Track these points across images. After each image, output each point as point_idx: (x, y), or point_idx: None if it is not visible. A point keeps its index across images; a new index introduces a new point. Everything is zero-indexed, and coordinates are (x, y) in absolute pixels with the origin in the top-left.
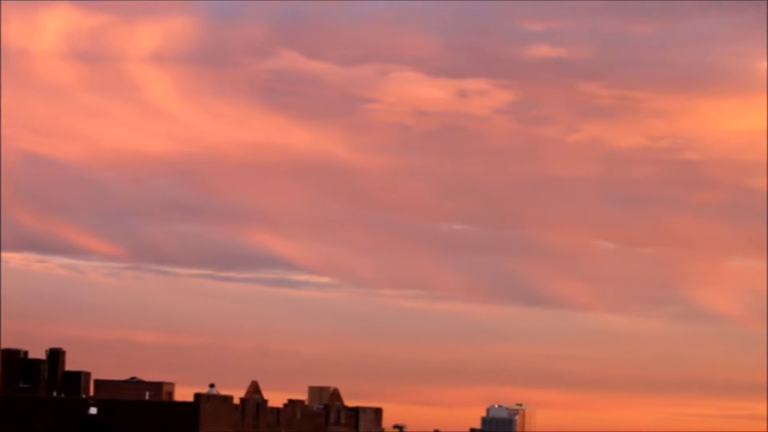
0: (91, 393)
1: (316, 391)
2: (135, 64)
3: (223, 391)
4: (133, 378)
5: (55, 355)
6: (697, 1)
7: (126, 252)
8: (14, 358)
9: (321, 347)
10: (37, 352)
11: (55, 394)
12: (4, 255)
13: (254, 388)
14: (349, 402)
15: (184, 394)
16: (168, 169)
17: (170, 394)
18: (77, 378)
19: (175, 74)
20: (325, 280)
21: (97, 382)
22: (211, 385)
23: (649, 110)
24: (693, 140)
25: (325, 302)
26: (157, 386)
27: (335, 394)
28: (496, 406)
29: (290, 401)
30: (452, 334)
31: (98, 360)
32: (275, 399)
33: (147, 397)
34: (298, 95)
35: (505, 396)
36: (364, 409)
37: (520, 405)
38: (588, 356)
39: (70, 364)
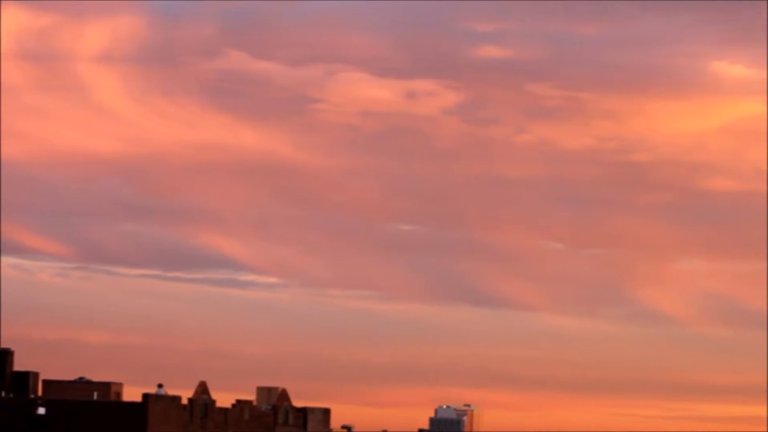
0: (40, 393)
1: (264, 392)
2: (83, 64)
3: (171, 392)
4: (81, 378)
5: (3, 356)
6: (645, 3)
7: (74, 252)
8: None
9: (269, 347)
10: None
11: (3, 394)
12: None
13: (202, 389)
14: (298, 402)
15: (132, 394)
16: (116, 169)
17: (118, 394)
18: (25, 378)
19: (123, 74)
20: (272, 280)
21: (46, 382)
22: (159, 386)
23: (597, 111)
24: (641, 141)
25: (272, 303)
26: (105, 386)
27: (283, 395)
28: (444, 406)
29: (238, 401)
30: (400, 334)
31: (46, 360)
32: (223, 399)
33: (95, 397)
34: (246, 95)
35: (453, 396)
36: (313, 409)
37: (468, 405)
38: (536, 357)
39: (18, 364)
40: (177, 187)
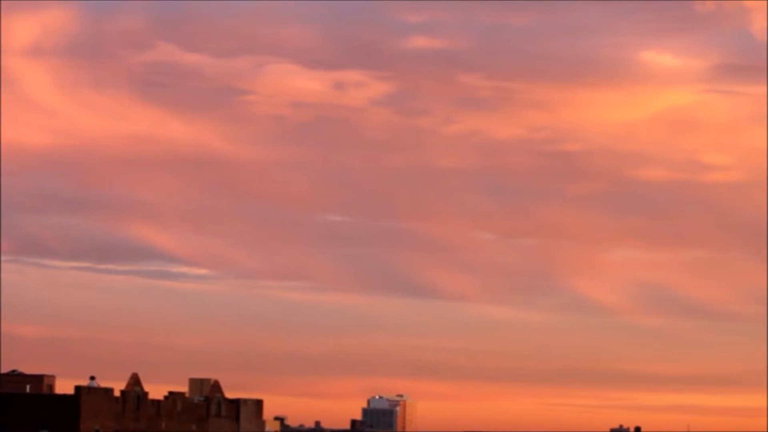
0: None
1: (196, 383)
2: (12, 57)
3: (104, 384)
4: (13, 371)
5: None
6: None
7: (5, 245)
8: None
9: (201, 339)
10: None
11: None
12: None
13: (134, 380)
14: (230, 394)
15: (64, 386)
16: (46, 161)
17: (51, 386)
18: None
19: (53, 67)
20: (204, 272)
21: None
22: (92, 378)
23: (528, 102)
24: (572, 131)
25: (204, 294)
26: (37, 379)
27: (216, 386)
28: (377, 397)
29: (171, 393)
30: (332, 325)
31: None
32: (156, 391)
33: (27, 389)
34: (176, 87)
35: (386, 387)
36: (245, 400)
37: (401, 396)
38: (468, 347)
39: None
40: (108, 179)
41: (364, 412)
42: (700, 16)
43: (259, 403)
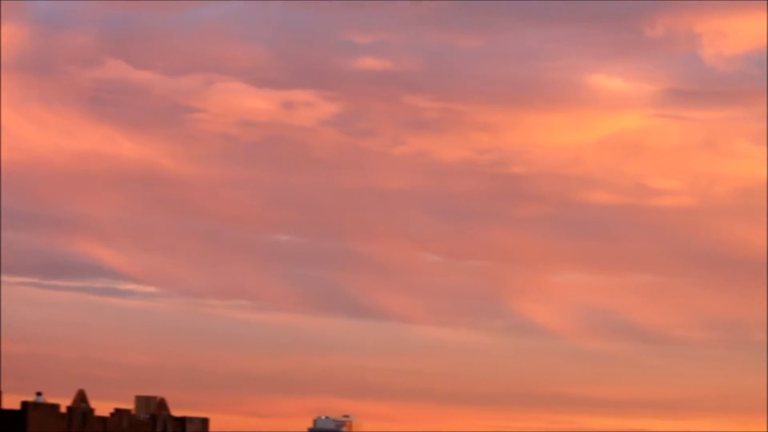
0: None
1: (143, 401)
2: None
3: (50, 400)
4: None
5: None
6: (524, 16)
7: None
8: None
9: (148, 357)
10: None
11: None
12: None
13: (81, 397)
14: (176, 412)
15: (10, 401)
16: None
17: None
18: None
19: (1, 83)
20: (151, 289)
21: None
22: (38, 393)
23: (475, 123)
24: (518, 154)
25: (151, 312)
26: None
27: (162, 404)
28: (323, 417)
29: (117, 410)
30: (278, 344)
31: None
32: (102, 408)
33: None
34: (125, 105)
35: (332, 407)
36: (191, 419)
37: (347, 416)
38: (414, 368)
39: None
40: (56, 195)
41: None
42: (650, 41)
43: (204, 422)
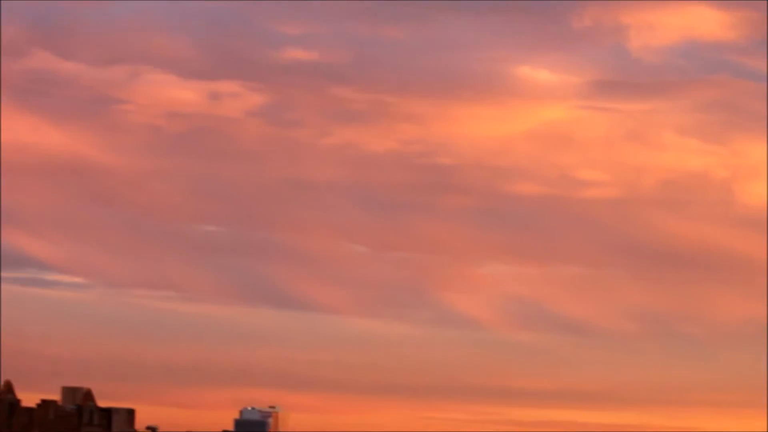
0: None
1: (69, 392)
2: None
3: None
4: None
5: None
6: (452, 6)
7: None
8: None
9: (74, 347)
10: None
11: None
12: None
13: (7, 388)
14: (102, 402)
15: None
16: None
17: None
18: None
19: None
20: (77, 280)
21: None
22: None
23: (402, 115)
24: (446, 145)
25: (77, 302)
26: None
27: (88, 395)
28: (249, 408)
29: (43, 401)
30: (204, 335)
31: None
32: (28, 399)
33: None
34: (51, 96)
35: (258, 398)
36: (117, 410)
37: (273, 407)
38: (340, 360)
39: None
40: None
41: (236, 423)
42: (577, 33)
43: (131, 413)
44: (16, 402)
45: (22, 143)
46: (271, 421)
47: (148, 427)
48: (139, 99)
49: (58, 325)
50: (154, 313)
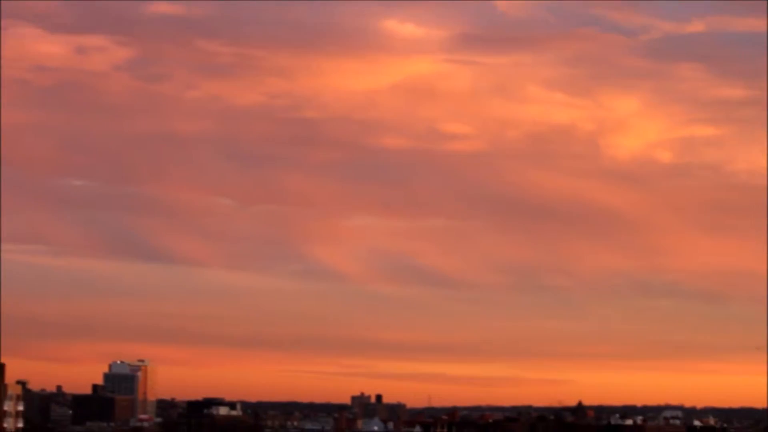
0: None
1: None
2: None
3: None
4: None
5: None
6: None
7: None
8: None
9: None
10: None
11: None
12: None
13: None
14: None
15: None
16: None
17: None
18: None
19: None
20: None
21: None
22: None
23: (268, 68)
24: (311, 99)
25: None
26: None
27: None
28: (118, 362)
29: None
30: (73, 289)
31: None
32: None
33: None
34: None
35: (127, 352)
36: None
37: (142, 361)
38: (207, 313)
39: None
40: None
41: (106, 377)
42: None
43: (0, 367)
44: None
45: None
46: (140, 374)
47: (18, 382)
48: (5, 53)
49: None
50: (23, 267)
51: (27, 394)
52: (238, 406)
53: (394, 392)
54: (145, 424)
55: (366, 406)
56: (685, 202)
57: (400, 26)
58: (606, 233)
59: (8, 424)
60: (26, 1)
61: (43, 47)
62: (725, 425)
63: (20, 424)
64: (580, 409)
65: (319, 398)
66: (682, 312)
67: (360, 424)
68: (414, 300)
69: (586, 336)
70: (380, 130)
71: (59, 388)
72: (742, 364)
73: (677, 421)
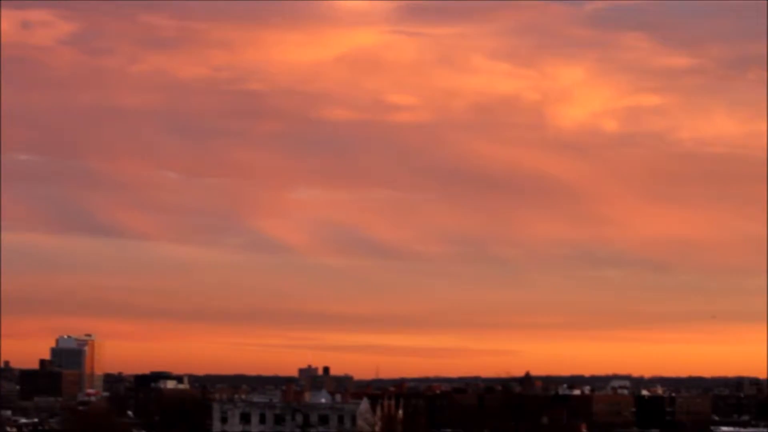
0: None
1: None
2: None
3: None
4: None
5: None
6: None
7: None
8: None
9: None
10: None
11: None
12: None
13: None
14: None
15: None
16: None
17: None
18: None
19: None
20: None
21: None
22: None
23: (212, 41)
24: (256, 71)
25: None
26: None
27: None
28: (65, 336)
29: None
30: (19, 264)
31: None
32: None
33: None
34: None
35: (74, 326)
36: None
37: (89, 336)
38: (153, 286)
39: None
40: None
41: (53, 351)
42: None
43: None
44: None
45: None
46: (86, 348)
47: None
48: None
49: None
50: None
51: None
52: (186, 380)
53: (342, 364)
54: (93, 398)
55: (314, 379)
56: (631, 171)
57: None
58: (552, 203)
59: None
60: None
61: None
62: (673, 394)
63: None
64: (527, 380)
65: (266, 371)
66: (628, 281)
67: (308, 396)
68: (361, 272)
69: (533, 306)
70: (325, 101)
71: (6, 363)
72: (689, 333)
73: (625, 391)
